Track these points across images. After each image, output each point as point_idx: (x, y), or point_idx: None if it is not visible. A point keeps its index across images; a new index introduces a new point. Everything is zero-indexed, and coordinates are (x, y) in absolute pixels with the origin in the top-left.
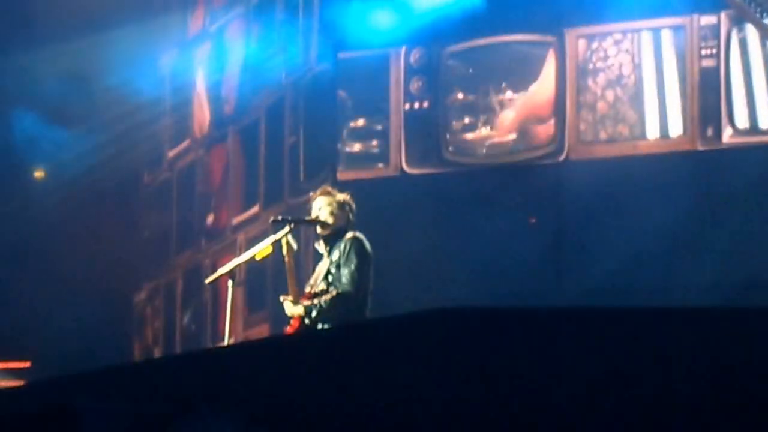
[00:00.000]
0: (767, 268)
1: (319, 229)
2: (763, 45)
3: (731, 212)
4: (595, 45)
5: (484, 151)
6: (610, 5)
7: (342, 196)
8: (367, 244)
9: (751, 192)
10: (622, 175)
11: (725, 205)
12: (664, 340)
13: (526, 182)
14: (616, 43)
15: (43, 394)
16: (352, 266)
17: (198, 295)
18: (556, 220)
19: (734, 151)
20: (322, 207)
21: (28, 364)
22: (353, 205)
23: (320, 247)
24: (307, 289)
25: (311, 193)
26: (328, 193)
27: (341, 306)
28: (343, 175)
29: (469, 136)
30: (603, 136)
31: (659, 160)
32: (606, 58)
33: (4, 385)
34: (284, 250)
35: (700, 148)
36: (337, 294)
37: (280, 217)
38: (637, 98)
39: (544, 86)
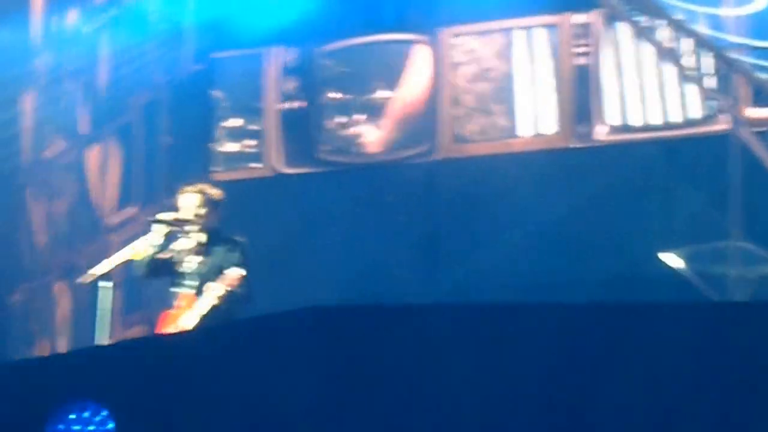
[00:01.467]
0: (637, 263)
1: (189, 227)
2: (635, 43)
3: (603, 208)
4: (465, 43)
5: (359, 150)
6: (482, 5)
7: (210, 191)
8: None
9: (622, 188)
10: (495, 173)
11: (597, 201)
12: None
13: (400, 181)
14: (485, 39)
15: None
16: (243, 268)
17: (76, 295)
18: (429, 219)
19: (608, 147)
20: (189, 204)
21: None
22: (220, 200)
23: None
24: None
25: (180, 190)
26: (196, 191)
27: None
28: (217, 175)
29: (344, 135)
30: (474, 131)
31: (532, 157)
32: (474, 53)
33: None
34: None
35: (573, 145)
36: (231, 294)
37: (153, 218)
38: (506, 94)
39: (416, 84)
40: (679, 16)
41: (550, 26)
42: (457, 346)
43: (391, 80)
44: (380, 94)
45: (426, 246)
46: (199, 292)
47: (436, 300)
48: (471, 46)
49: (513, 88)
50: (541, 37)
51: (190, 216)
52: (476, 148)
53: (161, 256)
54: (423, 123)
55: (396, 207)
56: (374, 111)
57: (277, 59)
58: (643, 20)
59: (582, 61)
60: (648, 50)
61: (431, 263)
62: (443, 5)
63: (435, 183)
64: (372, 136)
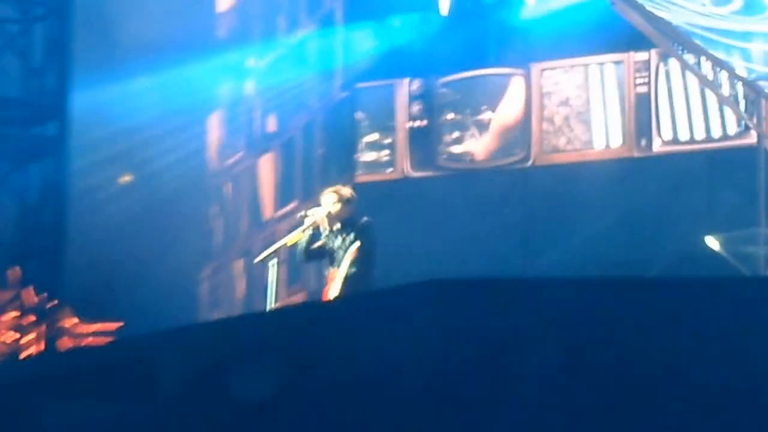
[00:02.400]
0: (687, 245)
1: (329, 219)
2: (683, 75)
3: (659, 204)
4: (552, 75)
5: (469, 158)
6: (564, 45)
7: (345, 192)
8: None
9: (675, 188)
10: (576, 177)
11: (655, 198)
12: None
13: (501, 182)
14: (567, 73)
15: (126, 349)
16: (364, 243)
17: (251, 272)
18: (525, 213)
19: (663, 157)
20: (328, 203)
21: (120, 324)
22: (355, 200)
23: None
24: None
25: (322, 192)
26: (334, 192)
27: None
28: (360, 178)
29: (457, 147)
30: (559, 144)
31: (605, 164)
32: (559, 84)
33: (98, 342)
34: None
35: (636, 155)
36: (354, 265)
37: (307, 212)
38: (584, 116)
39: (514, 107)
40: (718, 53)
41: (617, 62)
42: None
43: (494, 104)
44: (486, 115)
45: (523, 234)
46: (338, 267)
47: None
48: (557, 78)
49: (589, 110)
50: (610, 70)
51: (329, 210)
52: (561, 158)
53: (313, 242)
54: (519, 137)
55: (499, 202)
56: (481, 128)
57: (405, 88)
58: (690, 57)
59: (642, 89)
60: (693, 80)
61: (527, 248)
62: (535, 46)
63: (529, 184)
64: (479, 147)
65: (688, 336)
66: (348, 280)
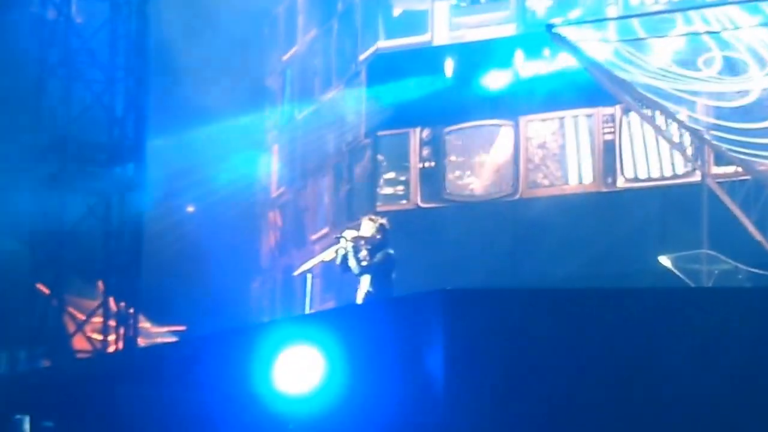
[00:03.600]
0: (642, 262)
1: (362, 242)
2: (641, 126)
3: (621, 230)
4: (535, 125)
5: (468, 192)
6: (544, 101)
7: (381, 220)
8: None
9: (633, 217)
10: (554, 207)
11: (618, 224)
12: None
13: (494, 212)
14: (546, 123)
15: (188, 347)
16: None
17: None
18: (513, 236)
19: (625, 191)
20: (367, 227)
21: (184, 327)
22: (387, 226)
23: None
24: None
25: (361, 218)
26: (371, 219)
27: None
28: (380, 208)
29: (459, 183)
30: (540, 180)
31: (578, 197)
32: (540, 132)
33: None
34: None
35: (603, 190)
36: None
37: (339, 234)
38: (560, 158)
39: (504, 151)
40: (670, 106)
41: (588, 115)
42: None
43: (489, 148)
44: (482, 157)
45: (512, 252)
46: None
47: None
48: (538, 127)
49: (565, 153)
50: (583, 121)
51: (367, 234)
52: (543, 192)
53: (346, 258)
54: (508, 175)
55: (493, 228)
56: (478, 168)
57: (417, 135)
58: (647, 111)
59: (609, 137)
60: (649, 130)
61: (516, 264)
62: (523, 102)
63: (517, 213)
64: (476, 183)
65: (651, 339)
66: (369, 294)
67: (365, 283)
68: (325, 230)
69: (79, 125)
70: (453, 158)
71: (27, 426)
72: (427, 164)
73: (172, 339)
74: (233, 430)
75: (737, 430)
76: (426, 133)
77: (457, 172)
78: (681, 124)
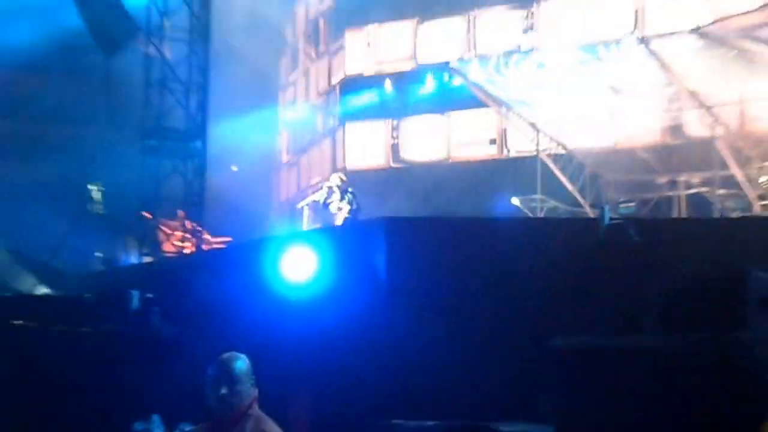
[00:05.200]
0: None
1: (335, 188)
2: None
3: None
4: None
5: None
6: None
7: (343, 176)
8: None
9: (499, 178)
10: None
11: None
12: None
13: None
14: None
15: (234, 250)
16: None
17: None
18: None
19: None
20: (335, 179)
21: (229, 239)
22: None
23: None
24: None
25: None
26: (338, 175)
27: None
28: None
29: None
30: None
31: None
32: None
33: (220, 246)
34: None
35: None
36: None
37: (321, 185)
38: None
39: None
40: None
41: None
42: None
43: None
44: None
45: None
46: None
47: None
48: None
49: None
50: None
51: (334, 184)
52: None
53: (327, 198)
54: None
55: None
56: None
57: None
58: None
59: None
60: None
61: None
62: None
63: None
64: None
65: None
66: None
67: (342, 214)
68: (315, 180)
69: (168, 117)
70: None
71: (137, 296)
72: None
73: (222, 245)
74: (257, 304)
75: None
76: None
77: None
78: (524, 119)
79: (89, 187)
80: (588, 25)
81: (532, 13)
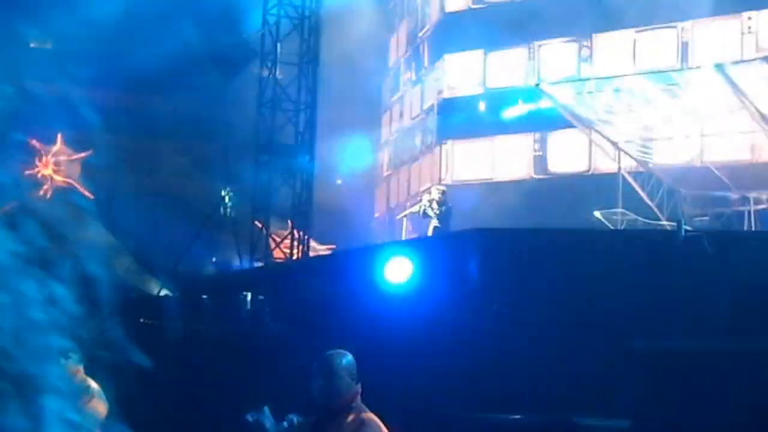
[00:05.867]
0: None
1: (433, 201)
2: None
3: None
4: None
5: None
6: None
7: (443, 188)
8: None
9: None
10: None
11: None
12: None
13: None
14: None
15: (336, 258)
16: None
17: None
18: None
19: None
20: (435, 192)
21: (334, 246)
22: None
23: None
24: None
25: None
26: (437, 188)
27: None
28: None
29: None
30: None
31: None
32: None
33: (325, 253)
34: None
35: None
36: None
37: (421, 197)
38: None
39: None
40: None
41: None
42: None
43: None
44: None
45: None
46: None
47: None
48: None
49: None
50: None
51: (436, 197)
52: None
53: (425, 210)
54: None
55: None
56: None
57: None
58: (589, 131)
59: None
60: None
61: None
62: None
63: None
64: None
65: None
66: (435, 229)
67: (434, 224)
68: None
69: (280, 134)
70: None
71: (249, 297)
72: None
73: (328, 252)
74: (361, 303)
75: None
76: None
77: None
78: (607, 138)
79: (222, 193)
80: (639, 55)
81: (589, 46)
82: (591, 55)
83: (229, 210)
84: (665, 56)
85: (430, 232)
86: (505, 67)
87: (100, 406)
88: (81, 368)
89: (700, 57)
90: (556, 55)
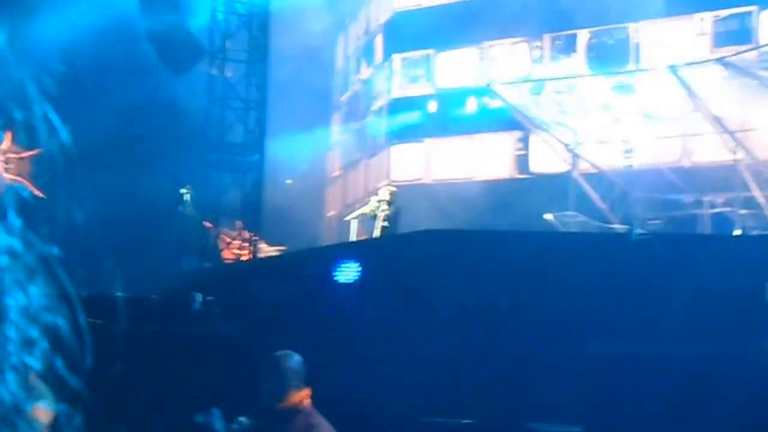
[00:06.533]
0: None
1: (383, 202)
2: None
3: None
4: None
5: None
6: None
7: (393, 188)
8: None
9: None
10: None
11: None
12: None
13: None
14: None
15: (287, 259)
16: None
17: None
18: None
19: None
20: (384, 193)
21: (284, 247)
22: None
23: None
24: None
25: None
26: (387, 188)
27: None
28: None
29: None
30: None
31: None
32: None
33: (274, 254)
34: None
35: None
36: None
37: (371, 199)
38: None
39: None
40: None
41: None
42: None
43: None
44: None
45: None
46: (384, 227)
47: None
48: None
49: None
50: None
51: (386, 198)
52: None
53: (374, 212)
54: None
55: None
56: None
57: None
58: (541, 132)
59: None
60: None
61: None
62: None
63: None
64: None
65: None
66: (384, 230)
67: (382, 224)
68: (362, 194)
69: (228, 133)
70: None
71: (199, 298)
72: None
73: (276, 253)
74: (312, 305)
75: None
76: None
77: None
78: (559, 140)
79: (182, 191)
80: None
81: (540, 46)
82: (542, 56)
83: (188, 208)
84: (618, 57)
85: (377, 233)
86: (455, 67)
87: (42, 414)
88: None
89: (653, 58)
90: (508, 56)
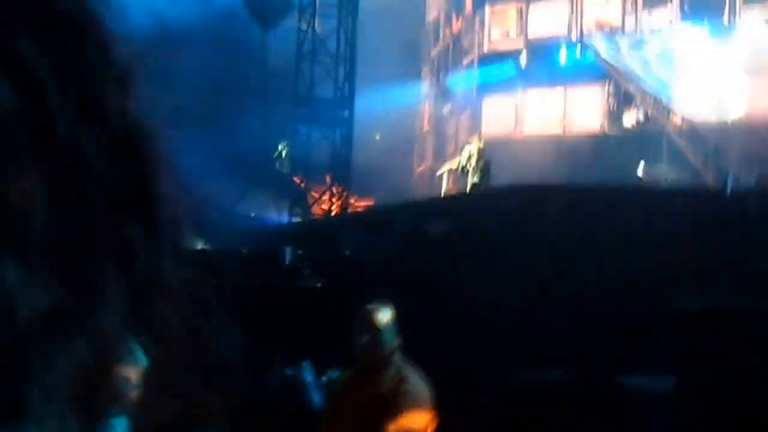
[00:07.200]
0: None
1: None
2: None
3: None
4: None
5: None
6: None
7: (481, 143)
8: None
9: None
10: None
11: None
12: None
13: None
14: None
15: (376, 213)
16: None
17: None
18: None
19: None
20: (475, 148)
21: (373, 201)
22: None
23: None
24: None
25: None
26: (478, 139)
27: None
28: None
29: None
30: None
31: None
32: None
33: (362, 208)
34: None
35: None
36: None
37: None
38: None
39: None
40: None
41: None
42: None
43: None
44: None
45: None
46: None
47: None
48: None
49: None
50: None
51: (474, 152)
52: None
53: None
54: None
55: None
56: None
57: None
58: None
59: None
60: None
61: None
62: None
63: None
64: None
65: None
66: (474, 186)
67: (472, 181)
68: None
69: (318, 88)
70: None
71: (288, 251)
72: None
73: (366, 208)
74: (400, 261)
75: None
76: None
77: None
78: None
79: (279, 146)
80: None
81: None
82: (635, 6)
83: (285, 164)
84: (713, 8)
85: (468, 189)
86: (547, 17)
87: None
88: None
89: (748, 9)
90: (600, 6)
